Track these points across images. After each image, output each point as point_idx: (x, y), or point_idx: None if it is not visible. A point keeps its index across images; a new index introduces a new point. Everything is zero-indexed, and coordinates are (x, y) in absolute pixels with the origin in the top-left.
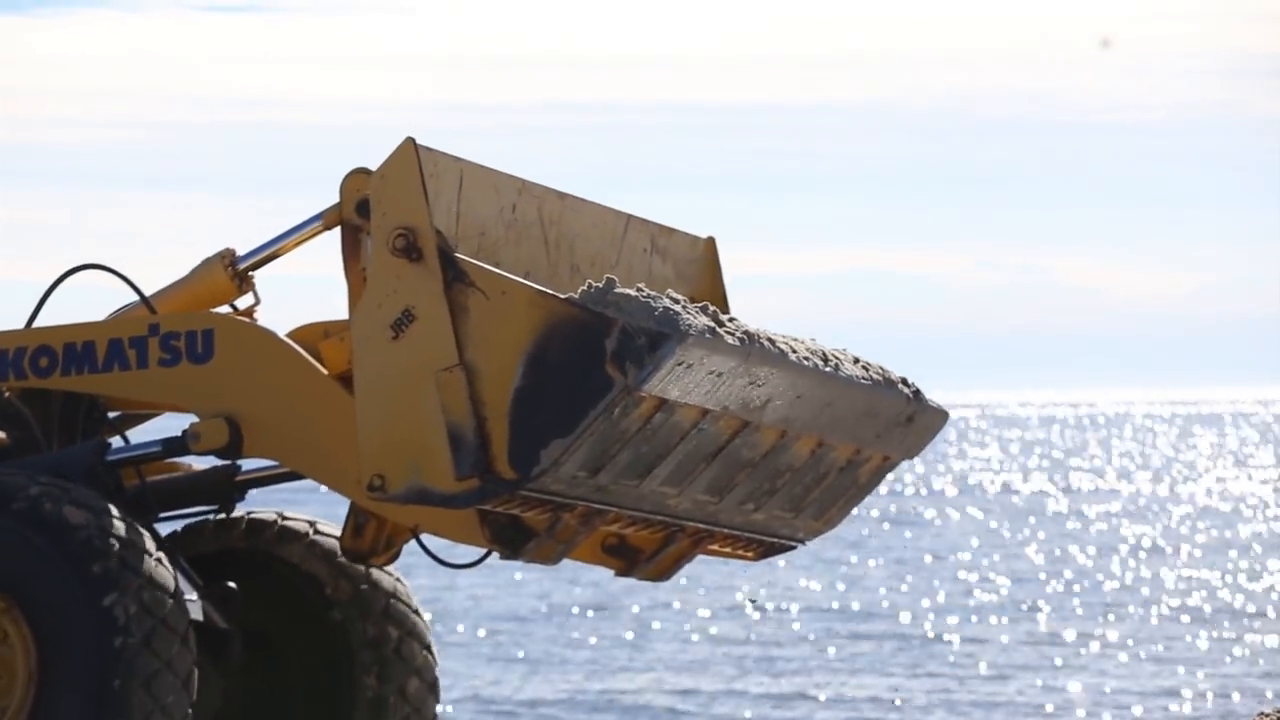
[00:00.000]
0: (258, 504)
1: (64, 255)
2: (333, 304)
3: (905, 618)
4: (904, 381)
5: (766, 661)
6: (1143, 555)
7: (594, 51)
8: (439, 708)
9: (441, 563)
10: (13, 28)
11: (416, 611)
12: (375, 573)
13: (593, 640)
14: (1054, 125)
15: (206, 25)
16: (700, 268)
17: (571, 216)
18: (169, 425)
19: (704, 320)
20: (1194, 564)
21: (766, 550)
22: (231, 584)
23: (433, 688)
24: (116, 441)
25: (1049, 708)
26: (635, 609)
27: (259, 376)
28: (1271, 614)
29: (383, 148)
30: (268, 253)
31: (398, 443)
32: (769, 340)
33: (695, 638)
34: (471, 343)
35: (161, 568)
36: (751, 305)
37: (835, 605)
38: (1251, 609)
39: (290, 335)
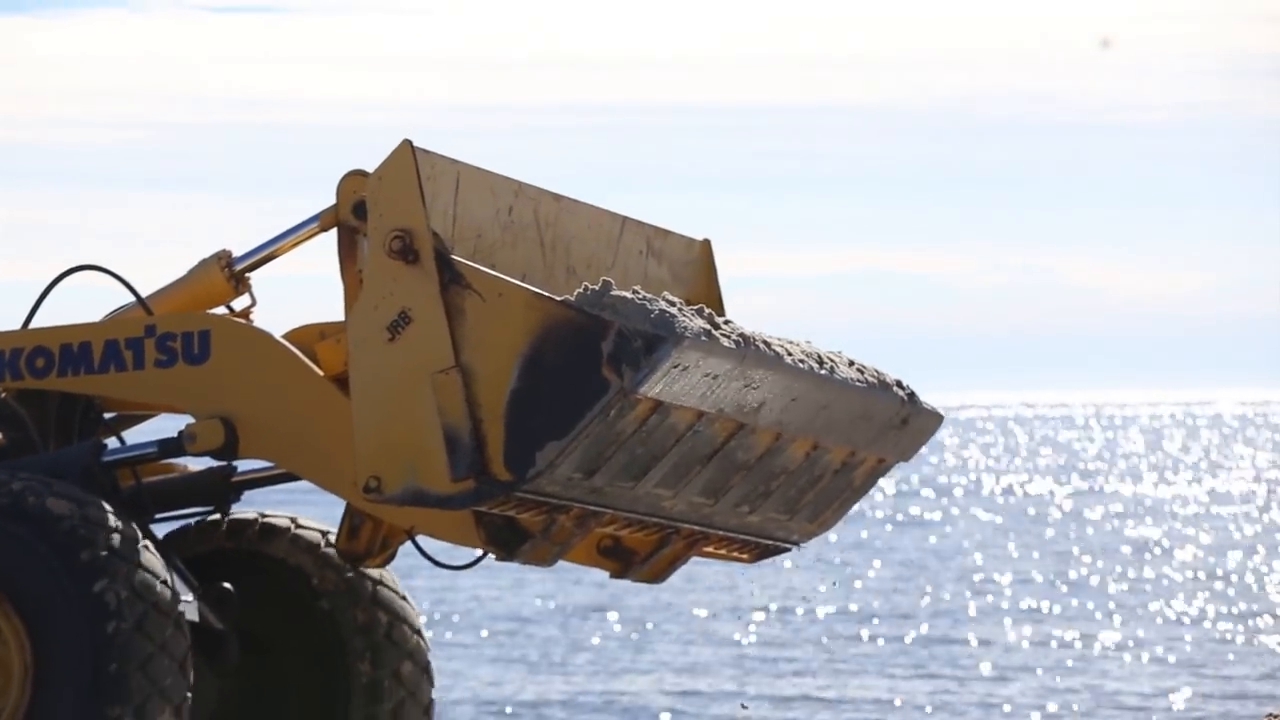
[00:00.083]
0: (258, 504)
1: (64, 255)
2: (329, 305)
3: (907, 619)
4: (899, 384)
5: (768, 663)
6: (1145, 556)
7: (595, 52)
8: (439, 707)
9: (437, 564)
10: (13, 28)
11: (404, 597)
12: None
13: (594, 641)
14: (1054, 126)
15: (207, 25)
16: (696, 270)
17: (567, 218)
18: (165, 426)
19: (700, 323)
20: (1196, 565)
21: (761, 552)
22: (227, 585)
23: (426, 670)
24: (112, 442)
25: (1051, 708)
26: (636, 610)
27: (255, 378)
28: (1273, 615)
29: (384, 148)
30: (264, 254)
31: (394, 444)
32: (764, 343)
33: (696, 639)
34: (468, 345)
35: (149, 553)
36: (752, 305)
37: (836, 607)
38: (1253, 610)
39: (286, 336)
